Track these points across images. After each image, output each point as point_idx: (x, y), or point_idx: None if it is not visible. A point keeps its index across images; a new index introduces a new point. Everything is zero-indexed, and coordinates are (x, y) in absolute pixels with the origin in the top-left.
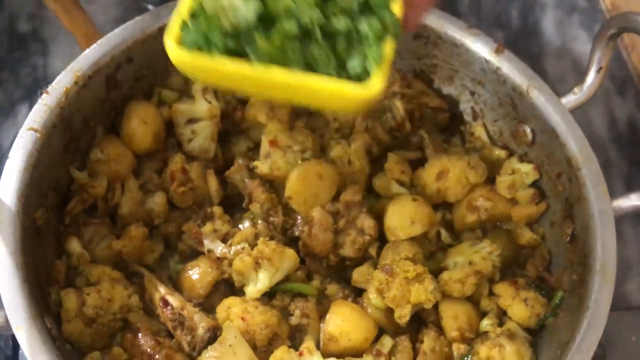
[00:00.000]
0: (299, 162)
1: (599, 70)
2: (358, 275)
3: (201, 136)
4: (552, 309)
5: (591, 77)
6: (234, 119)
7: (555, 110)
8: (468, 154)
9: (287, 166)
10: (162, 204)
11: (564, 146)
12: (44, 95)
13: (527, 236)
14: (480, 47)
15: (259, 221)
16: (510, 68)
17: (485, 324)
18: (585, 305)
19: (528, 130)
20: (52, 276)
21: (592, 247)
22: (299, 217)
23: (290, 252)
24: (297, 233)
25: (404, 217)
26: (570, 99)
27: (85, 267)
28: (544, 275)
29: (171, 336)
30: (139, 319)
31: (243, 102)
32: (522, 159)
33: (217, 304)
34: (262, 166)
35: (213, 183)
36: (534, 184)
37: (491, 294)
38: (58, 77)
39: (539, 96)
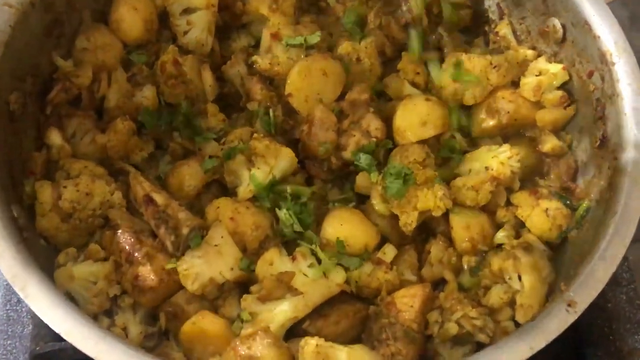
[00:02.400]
0: (302, 57)
1: None
2: (362, 180)
3: (197, 28)
4: (577, 220)
5: None
6: (235, 10)
7: (590, 0)
8: (491, 54)
9: (289, 62)
10: (151, 98)
11: (598, 39)
12: None
13: (552, 143)
14: None
15: (257, 120)
16: None
17: (501, 235)
18: (613, 210)
19: (558, 25)
20: (27, 167)
21: (624, 147)
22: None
23: (286, 150)
24: (297, 135)
25: (415, 118)
26: None
27: (66, 161)
28: (569, 185)
29: (155, 237)
30: (120, 216)
31: None
32: (551, 60)
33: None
34: (262, 61)
35: (208, 77)
36: (563, 87)
37: (509, 204)
38: None
39: None
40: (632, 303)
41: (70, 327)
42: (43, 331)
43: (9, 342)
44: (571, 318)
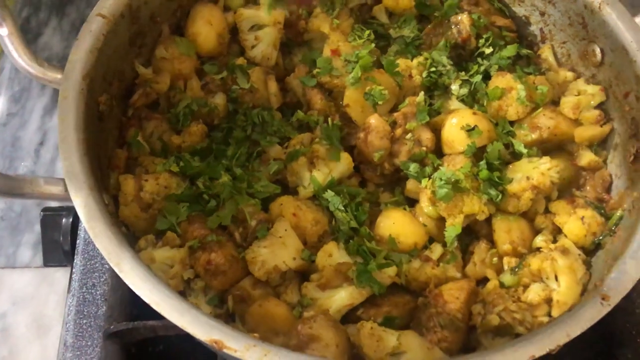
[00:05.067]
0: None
1: None
2: (412, 185)
3: (264, 42)
4: (609, 228)
5: None
6: (298, 28)
7: (627, 27)
8: (534, 75)
9: (347, 75)
10: (222, 104)
11: (634, 63)
12: None
13: (588, 157)
14: None
15: (317, 127)
16: None
17: (539, 240)
18: None
19: (597, 49)
20: (112, 162)
21: None
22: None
23: (344, 155)
24: (353, 142)
25: (463, 130)
26: None
27: (145, 159)
28: (603, 196)
29: (224, 228)
30: None
31: (308, 12)
32: (589, 81)
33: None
34: (322, 73)
35: (273, 87)
36: (600, 106)
37: (547, 212)
38: None
39: (611, 13)
40: None
41: (160, 300)
42: (116, 312)
43: (84, 321)
44: (605, 310)
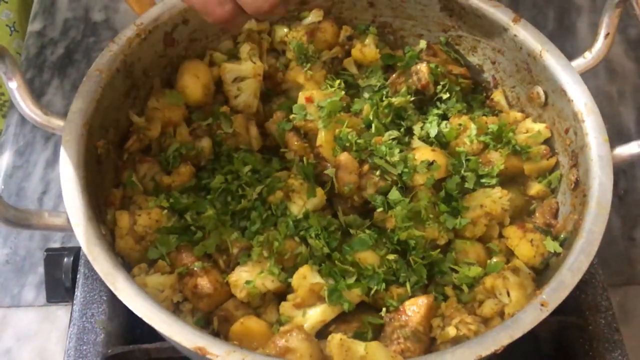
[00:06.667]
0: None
1: (606, 35)
2: (379, 214)
3: (246, 93)
4: (555, 249)
5: (599, 43)
6: (276, 79)
7: (565, 70)
8: (486, 116)
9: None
10: (208, 147)
11: (572, 102)
12: (110, 43)
13: (537, 188)
14: (500, 17)
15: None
16: (525, 35)
17: (494, 261)
18: (581, 235)
19: (541, 91)
20: (109, 200)
21: (590, 186)
22: (328, 164)
23: (318, 189)
24: (325, 178)
25: (423, 164)
26: (580, 63)
27: (138, 197)
28: (551, 222)
29: (209, 256)
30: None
31: (285, 65)
32: (536, 120)
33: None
34: (298, 118)
35: (254, 131)
36: (546, 142)
37: (501, 236)
38: (123, 30)
39: (551, 58)
40: (610, 326)
41: (151, 314)
42: (113, 338)
43: (84, 347)
44: (543, 315)
